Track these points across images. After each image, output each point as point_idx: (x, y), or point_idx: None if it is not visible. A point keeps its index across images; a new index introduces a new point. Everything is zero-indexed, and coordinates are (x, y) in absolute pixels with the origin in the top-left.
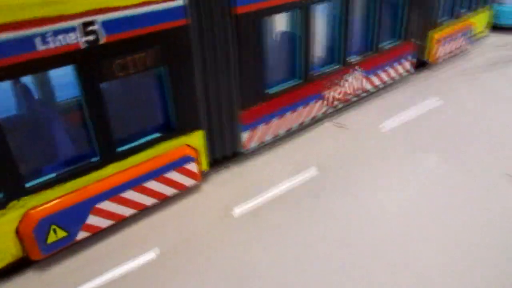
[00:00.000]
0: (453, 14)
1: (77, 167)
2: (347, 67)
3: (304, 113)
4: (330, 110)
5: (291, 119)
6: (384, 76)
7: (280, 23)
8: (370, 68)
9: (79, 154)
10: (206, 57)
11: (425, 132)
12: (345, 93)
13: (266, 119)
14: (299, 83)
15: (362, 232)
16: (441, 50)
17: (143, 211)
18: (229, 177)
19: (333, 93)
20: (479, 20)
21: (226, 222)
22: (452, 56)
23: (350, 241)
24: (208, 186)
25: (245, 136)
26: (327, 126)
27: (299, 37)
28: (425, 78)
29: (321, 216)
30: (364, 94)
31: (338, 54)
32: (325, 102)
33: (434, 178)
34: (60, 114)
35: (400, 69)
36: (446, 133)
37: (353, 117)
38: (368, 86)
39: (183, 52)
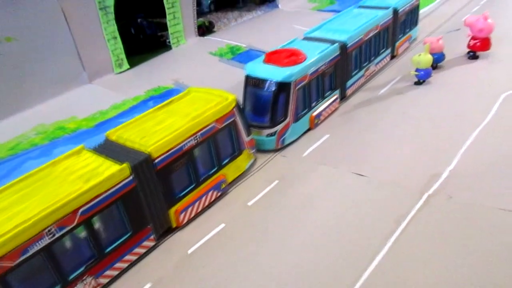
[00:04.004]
0: (196, 184)
1: None
2: (71, 283)
3: None
4: None
5: None
6: (121, 264)
7: None
8: (101, 270)
9: None
10: None
11: None
12: None
13: None
14: None
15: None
16: (185, 215)
17: None
18: None
19: None
20: (234, 167)
21: None
22: (206, 207)
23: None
24: None
25: None
26: None
27: None
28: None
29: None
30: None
31: (55, 278)
32: None
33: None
34: None
35: (139, 250)
36: None
37: None
38: (104, 281)
39: None
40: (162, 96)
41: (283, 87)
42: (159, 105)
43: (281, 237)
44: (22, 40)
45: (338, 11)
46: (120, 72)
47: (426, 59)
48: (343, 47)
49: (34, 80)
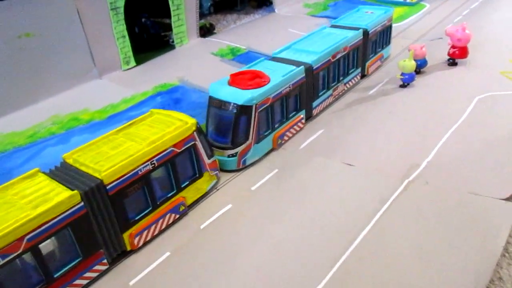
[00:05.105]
0: (152, 207)
1: None
2: None
3: None
4: None
5: None
6: (79, 281)
7: None
8: None
9: None
10: None
11: None
12: None
13: None
14: None
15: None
16: (140, 238)
17: None
18: None
19: None
20: (194, 189)
21: None
22: (164, 229)
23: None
24: None
25: None
26: None
27: None
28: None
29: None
30: None
31: None
32: None
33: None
34: None
35: (90, 274)
36: None
37: None
38: None
39: None
40: (169, 92)
41: (244, 110)
42: (119, 128)
43: (280, 216)
44: (40, 36)
45: (331, 17)
46: (128, 69)
47: (410, 64)
48: (309, 69)
49: (49, 74)
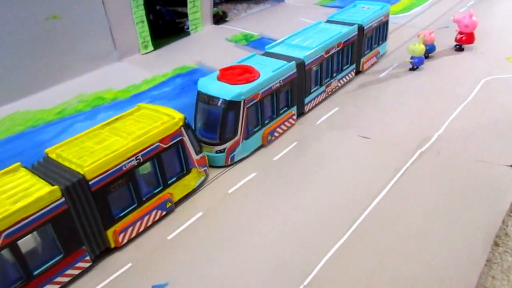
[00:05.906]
0: (138, 204)
1: None
2: None
3: None
4: None
5: None
6: (51, 286)
7: None
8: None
9: None
10: None
11: None
12: None
13: None
14: None
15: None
16: (125, 235)
17: None
18: None
19: None
20: (181, 186)
21: None
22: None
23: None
24: None
25: None
26: None
27: None
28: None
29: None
30: None
31: None
32: None
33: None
34: None
35: (72, 271)
36: None
37: None
38: None
39: None
40: (188, 74)
41: (232, 105)
42: (105, 122)
43: (301, 184)
44: (65, 18)
45: (340, 7)
46: (146, 53)
47: (420, 48)
48: (300, 64)
49: (73, 55)
